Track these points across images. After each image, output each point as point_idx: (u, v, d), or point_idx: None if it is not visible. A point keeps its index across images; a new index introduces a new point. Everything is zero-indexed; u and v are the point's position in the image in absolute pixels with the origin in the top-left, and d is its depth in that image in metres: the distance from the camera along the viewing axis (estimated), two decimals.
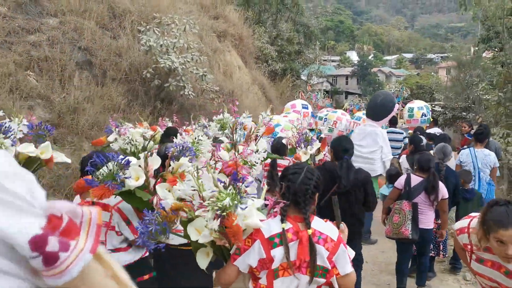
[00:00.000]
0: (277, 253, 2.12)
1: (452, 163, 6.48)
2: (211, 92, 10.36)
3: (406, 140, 8.92)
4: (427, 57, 73.05)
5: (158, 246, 1.90)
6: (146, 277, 2.96)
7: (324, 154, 6.13)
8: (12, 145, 3.15)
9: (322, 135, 6.43)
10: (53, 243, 0.78)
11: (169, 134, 6.05)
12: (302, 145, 4.96)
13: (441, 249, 5.51)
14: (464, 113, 16.38)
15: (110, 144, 5.50)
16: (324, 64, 49.09)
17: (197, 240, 1.89)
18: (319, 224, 2.26)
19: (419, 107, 9.36)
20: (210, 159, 3.11)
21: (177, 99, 9.18)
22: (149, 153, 5.64)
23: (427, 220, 4.81)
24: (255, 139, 4.19)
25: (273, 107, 16.23)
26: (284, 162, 4.97)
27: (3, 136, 3.07)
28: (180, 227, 2.00)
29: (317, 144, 5.08)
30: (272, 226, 2.17)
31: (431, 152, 6.31)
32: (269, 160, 4.84)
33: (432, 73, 43.84)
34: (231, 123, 4.73)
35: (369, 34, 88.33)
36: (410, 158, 6.83)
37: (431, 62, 68.08)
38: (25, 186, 0.79)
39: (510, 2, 9.23)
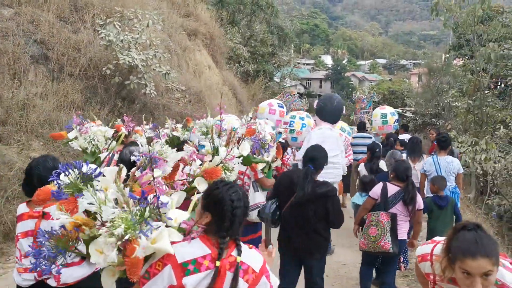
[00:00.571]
0: (190, 281, 1.85)
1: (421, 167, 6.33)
2: (176, 92, 9.99)
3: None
4: (400, 63, 74.25)
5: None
6: None
7: (283, 162, 5.79)
8: None
9: (281, 140, 6.13)
10: None
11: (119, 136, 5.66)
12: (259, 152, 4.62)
13: (401, 260, 5.27)
14: (434, 120, 16.46)
15: (70, 142, 5.13)
16: (298, 67, 49.22)
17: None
18: (242, 252, 2.02)
19: (391, 113, 9.21)
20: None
21: (139, 97, 8.77)
22: (110, 154, 5.26)
23: (403, 231, 4.54)
24: (238, 142, 3.92)
25: (243, 109, 15.97)
26: None
27: None
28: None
29: (273, 150, 4.77)
30: (188, 251, 1.90)
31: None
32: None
33: (405, 79, 44.42)
34: (214, 127, 4.39)
35: (343, 39, 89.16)
36: (368, 165, 6.69)
37: (403, 68, 69.15)
38: None
39: (480, 9, 9.18)
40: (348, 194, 9.26)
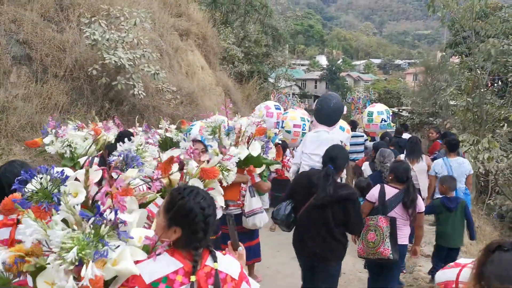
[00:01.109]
0: None
1: (421, 168, 6.07)
2: (167, 93, 9.65)
3: (368, 143, 8.55)
4: (395, 63, 74.26)
5: None
6: None
7: (283, 164, 5.55)
8: None
9: (278, 140, 5.84)
10: None
11: (121, 138, 5.35)
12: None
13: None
14: (431, 119, 16.21)
15: (46, 147, 4.81)
16: (293, 67, 48.97)
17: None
18: (213, 260, 1.84)
19: (379, 112, 8.90)
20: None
21: (128, 99, 8.43)
22: (90, 158, 4.91)
23: (403, 236, 4.27)
24: (247, 141, 3.83)
25: (237, 110, 15.69)
26: None
27: None
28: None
29: (272, 152, 4.48)
30: (157, 268, 1.67)
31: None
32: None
33: (400, 79, 44.27)
34: (221, 126, 4.18)
35: (338, 39, 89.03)
36: (372, 165, 6.41)
37: (398, 68, 69.17)
38: None
39: (478, 5, 8.92)
40: None
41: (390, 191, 4.26)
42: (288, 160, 7.54)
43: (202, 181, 2.70)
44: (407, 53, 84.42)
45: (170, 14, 14.48)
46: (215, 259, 1.82)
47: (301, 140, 6.40)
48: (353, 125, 9.31)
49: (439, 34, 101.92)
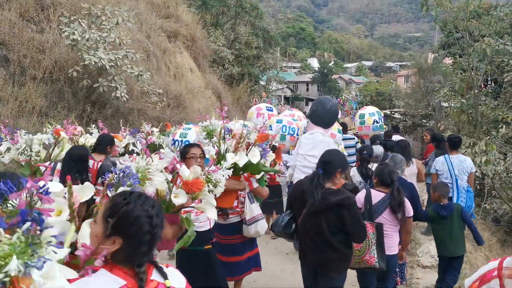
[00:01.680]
0: None
1: (411, 172, 5.86)
2: (153, 95, 9.32)
3: (359, 145, 8.30)
4: (386, 65, 74.43)
5: None
6: None
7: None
8: None
9: (275, 144, 5.60)
10: None
11: (102, 144, 5.02)
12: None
13: (397, 274, 4.68)
14: (424, 121, 16.01)
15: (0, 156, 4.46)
16: (285, 70, 48.77)
17: None
18: (160, 274, 1.63)
19: (370, 113, 8.65)
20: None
21: (111, 102, 8.09)
22: (51, 164, 4.51)
23: (392, 244, 3.98)
24: (247, 148, 3.62)
25: (227, 113, 15.38)
26: None
27: None
28: None
29: (271, 155, 4.20)
30: (97, 285, 1.45)
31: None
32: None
33: (391, 81, 44.24)
34: (218, 129, 3.89)
35: (329, 42, 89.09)
36: (360, 169, 6.16)
37: (390, 70, 69.30)
38: None
39: (472, 4, 8.69)
40: None
41: (377, 195, 4.00)
42: (280, 164, 7.27)
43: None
44: (398, 56, 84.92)
45: (158, 15, 14.16)
46: (163, 274, 1.62)
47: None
48: (344, 128, 9.05)
49: (430, 36, 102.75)
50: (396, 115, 20.06)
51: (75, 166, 4.10)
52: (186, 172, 2.58)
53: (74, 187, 1.78)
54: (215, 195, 2.65)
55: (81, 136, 5.41)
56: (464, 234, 4.84)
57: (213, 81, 16.87)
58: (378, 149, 6.48)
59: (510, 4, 9.65)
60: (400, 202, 3.92)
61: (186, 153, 3.66)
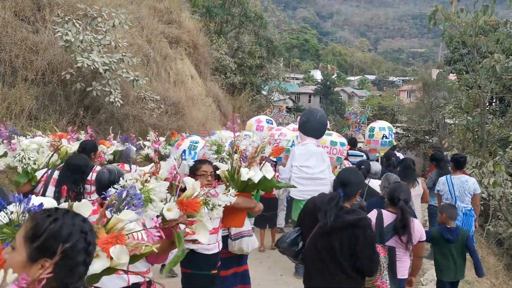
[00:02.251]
0: None
1: (417, 192, 5.54)
2: (150, 101, 9.03)
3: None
4: (389, 80, 74.28)
5: None
6: None
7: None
8: None
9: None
10: None
11: (86, 151, 4.75)
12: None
13: None
14: (427, 137, 15.71)
15: None
16: (288, 81, 48.67)
17: None
18: None
19: (380, 128, 8.32)
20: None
21: (106, 107, 7.80)
22: (48, 172, 4.24)
23: (403, 269, 3.72)
24: (260, 163, 3.40)
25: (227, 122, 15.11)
26: None
27: None
28: None
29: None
30: None
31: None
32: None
33: (394, 95, 44.07)
34: (228, 144, 3.75)
35: (333, 54, 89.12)
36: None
37: (392, 85, 69.14)
38: None
39: (482, 18, 8.42)
40: None
41: (388, 217, 3.71)
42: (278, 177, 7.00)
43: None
44: (401, 70, 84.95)
45: (160, 20, 13.94)
46: None
47: None
48: (353, 143, 8.75)
49: (433, 52, 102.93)
50: (398, 130, 19.78)
51: (71, 176, 3.96)
52: (190, 182, 2.46)
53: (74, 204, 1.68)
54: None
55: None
56: (466, 260, 4.62)
57: (214, 89, 16.62)
58: (376, 166, 6.21)
59: None
60: (405, 224, 3.59)
61: (196, 169, 3.51)
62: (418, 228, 3.72)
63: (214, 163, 3.61)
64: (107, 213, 1.82)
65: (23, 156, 4.17)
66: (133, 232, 1.79)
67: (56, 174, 4.18)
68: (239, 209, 3.47)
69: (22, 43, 7.40)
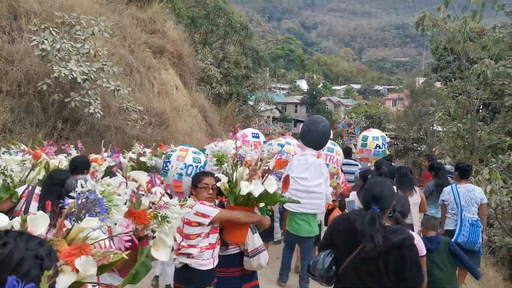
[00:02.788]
0: None
1: (414, 201, 5.32)
2: (133, 112, 8.71)
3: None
4: (374, 89, 74.88)
5: None
6: None
7: None
8: None
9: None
10: None
11: (78, 167, 4.43)
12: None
13: None
14: (416, 145, 15.60)
15: None
16: (274, 91, 48.58)
17: None
18: None
19: (374, 137, 8.08)
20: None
21: (85, 118, 7.45)
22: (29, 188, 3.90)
23: None
24: (263, 176, 3.27)
25: (214, 132, 14.81)
26: None
27: None
28: None
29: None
30: None
31: None
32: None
33: (380, 104, 44.30)
34: (230, 155, 3.56)
35: (318, 64, 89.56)
36: (361, 195, 5.66)
37: (378, 94, 69.70)
38: None
39: (471, 23, 8.31)
40: None
41: None
42: None
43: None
44: (386, 79, 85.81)
45: (143, 30, 13.66)
46: None
47: None
48: (347, 152, 8.49)
49: (416, 61, 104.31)
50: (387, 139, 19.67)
51: (55, 191, 3.67)
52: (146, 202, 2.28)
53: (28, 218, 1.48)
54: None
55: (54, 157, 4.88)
56: (456, 270, 4.51)
57: (200, 99, 16.33)
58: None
59: (506, 26, 9.33)
60: None
61: (198, 181, 3.39)
62: (417, 243, 3.48)
63: (215, 175, 3.48)
64: (67, 223, 1.66)
65: (4, 167, 3.87)
66: (99, 240, 1.67)
67: (38, 189, 3.95)
68: (241, 224, 3.36)
69: None
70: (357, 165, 8.00)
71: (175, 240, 3.27)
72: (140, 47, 12.65)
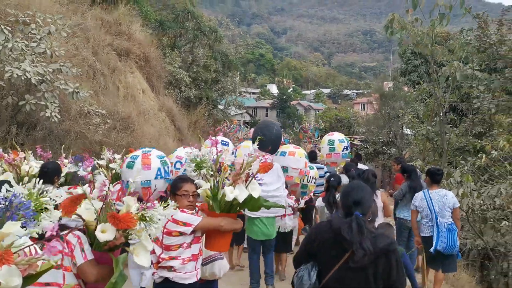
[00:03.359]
0: None
1: (378, 205, 5.25)
2: (96, 116, 8.30)
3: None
4: (344, 93, 75.89)
5: None
6: None
7: None
8: None
9: None
10: None
11: (49, 174, 4.10)
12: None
13: None
14: (385, 148, 15.69)
15: None
16: (244, 95, 48.49)
17: None
18: None
19: (340, 140, 8.01)
20: None
21: (42, 122, 7.01)
22: None
23: None
24: (246, 180, 3.14)
25: (182, 137, 14.45)
26: None
27: None
28: None
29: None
30: None
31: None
32: None
33: (349, 108, 44.88)
34: (211, 160, 3.39)
35: (288, 69, 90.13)
36: (326, 198, 5.60)
37: (347, 98, 70.69)
38: None
39: (438, 27, 8.32)
40: None
41: None
42: None
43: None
44: (354, 84, 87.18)
45: (107, 32, 13.19)
46: None
47: None
48: (313, 156, 8.34)
49: (384, 66, 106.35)
50: (356, 142, 19.78)
51: None
52: (130, 202, 2.22)
53: None
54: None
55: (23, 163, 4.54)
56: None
57: (168, 103, 15.92)
58: (345, 178, 5.94)
59: (473, 29, 9.43)
60: None
61: (177, 188, 3.22)
62: None
63: (195, 181, 3.33)
64: None
65: None
66: (23, 247, 1.56)
67: None
68: (225, 232, 3.20)
69: None
70: (323, 168, 7.90)
71: (154, 252, 3.07)
72: (105, 49, 12.18)
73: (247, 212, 5.31)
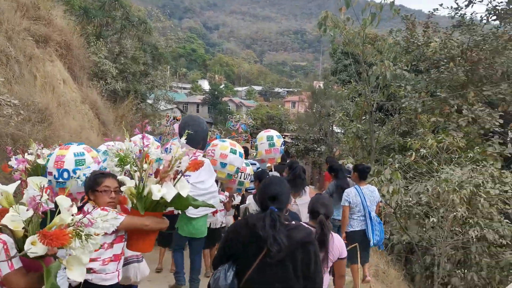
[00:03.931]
0: None
1: (304, 201, 5.21)
2: (7, 106, 7.49)
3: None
4: (275, 91, 77.08)
5: None
6: None
7: None
8: None
9: None
10: None
11: None
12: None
13: None
14: (316, 145, 15.95)
15: None
16: (175, 90, 47.50)
17: None
18: None
19: (277, 136, 8.07)
20: None
21: None
22: None
23: None
24: (174, 178, 2.92)
25: (108, 131, 13.68)
26: None
27: None
28: None
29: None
30: None
31: None
32: None
33: (280, 106, 45.59)
34: (136, 155, 3.22)
35: (220, 65, 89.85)
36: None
37: (278, 96, 71.85)
38: None
39: (369, 26, 8.46)
40: None
41: None
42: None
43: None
44: (285, 82, 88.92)
45: (24, 16, 12.11)
46: None
47: None
48: (245, 153, 8.20)
49: (314, 66, 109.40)
50: (287, 139, 19.96)
51: None
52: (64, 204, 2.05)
53: None
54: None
55: None
56: None
57: (92, 96, 14.97)
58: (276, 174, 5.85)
59: (402, 30, 9.73)
60: (323, 239, 3.26)
61: (96, 184, 3.00)
62: (338, 244, 3.46)
63: (118, 177, 3.08)
64: None
65: None
66: None
67: None
68: (149, 232, 3.00)
69: None
70: (255, 164, 7.80)
71: None
72: (20, 34, 11.14)
73: (189, 213, 5.09)
